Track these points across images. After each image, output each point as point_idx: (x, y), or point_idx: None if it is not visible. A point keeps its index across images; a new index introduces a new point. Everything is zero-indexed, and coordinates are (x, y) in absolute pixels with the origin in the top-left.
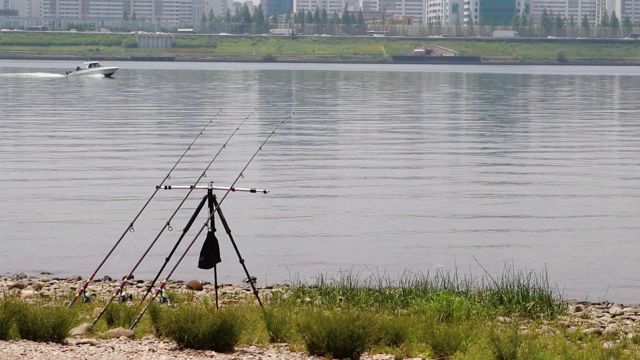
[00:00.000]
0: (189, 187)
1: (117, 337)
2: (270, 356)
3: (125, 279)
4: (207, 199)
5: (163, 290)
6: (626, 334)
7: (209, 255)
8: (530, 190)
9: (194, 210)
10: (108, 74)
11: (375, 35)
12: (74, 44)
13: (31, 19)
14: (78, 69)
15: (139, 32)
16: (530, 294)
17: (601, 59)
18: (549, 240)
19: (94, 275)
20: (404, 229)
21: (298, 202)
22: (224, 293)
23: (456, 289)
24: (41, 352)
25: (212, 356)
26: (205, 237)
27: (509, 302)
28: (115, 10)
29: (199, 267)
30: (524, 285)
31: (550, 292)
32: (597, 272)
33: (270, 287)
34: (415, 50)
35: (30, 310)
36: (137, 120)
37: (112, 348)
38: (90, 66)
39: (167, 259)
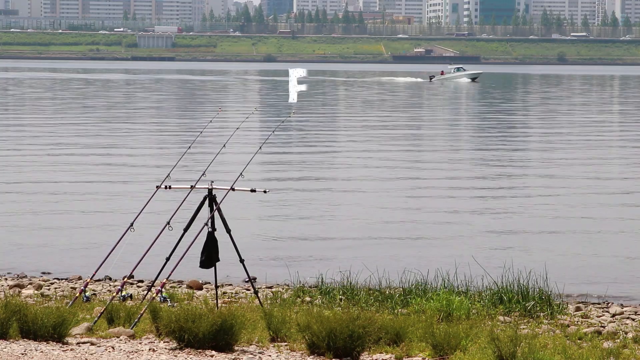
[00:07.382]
0: (189, 187)
1: (118, 337)
2: (270, 356)
3: (125, 279)
4: (207, 199)
5: (163, 290)
6: (626, 333)
7: (210, 255)
8: (531, 189)
9: (194, 210)
10: (474, 78)
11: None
12: (74, 44)
13: (31, 19)
14: (442, 73)
15: (139, 32)
16: (530, 293)
17: (601, 59)
18: (549, 240)
19: (94, 275)
20: (404, 228)
21: (298, 202)
22: (224, 293)
23: (456, 289)
24: (41, 351)
25: (212, 356)
26: (205, 236)
27: (509, 301)
28: (115, 10)
29: (200, 266)
30: (524, 285)
31: (550, 292)
32: (597, 272)
33: (270, 287)
34: (415, 50)
35: (31, 310)
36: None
37: (113, 347)
38: (454, 70)
39: (167, 259)
